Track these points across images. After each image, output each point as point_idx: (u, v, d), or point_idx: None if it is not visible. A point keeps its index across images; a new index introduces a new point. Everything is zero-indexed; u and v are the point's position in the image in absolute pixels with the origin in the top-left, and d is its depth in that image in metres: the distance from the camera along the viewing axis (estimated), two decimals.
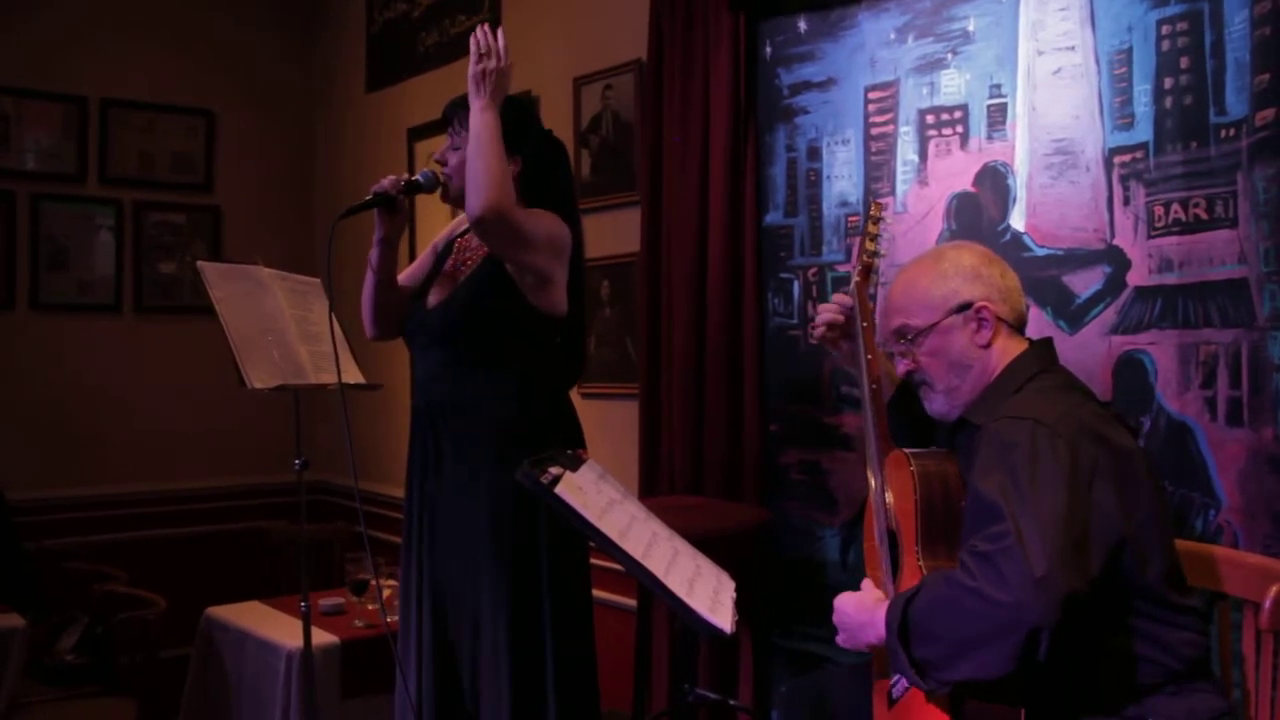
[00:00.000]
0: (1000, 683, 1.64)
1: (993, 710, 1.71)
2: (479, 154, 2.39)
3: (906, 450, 1.98)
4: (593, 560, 2.63)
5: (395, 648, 2.65)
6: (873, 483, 2.06)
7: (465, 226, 2.73)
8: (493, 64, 2.43)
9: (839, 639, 1.98)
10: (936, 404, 2.02)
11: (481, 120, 2.41)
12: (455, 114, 2.59)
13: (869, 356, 2.09)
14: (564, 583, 2.53)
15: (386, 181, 2.59)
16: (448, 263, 2.69)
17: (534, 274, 2.49)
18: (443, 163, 2.60)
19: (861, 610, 1.92)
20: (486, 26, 2.47)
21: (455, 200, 2.62)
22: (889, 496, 2.01)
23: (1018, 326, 2.02)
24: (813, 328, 2.27)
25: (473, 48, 2.45)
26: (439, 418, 2.57)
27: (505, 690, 2.46)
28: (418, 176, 2.59)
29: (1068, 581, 1.59)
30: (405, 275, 2.79)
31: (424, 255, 2.82)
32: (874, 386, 2.08)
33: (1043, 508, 1.64)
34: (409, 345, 2.74)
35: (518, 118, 2.57)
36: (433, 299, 2.63)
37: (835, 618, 1.98)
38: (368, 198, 2.57)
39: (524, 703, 2.47)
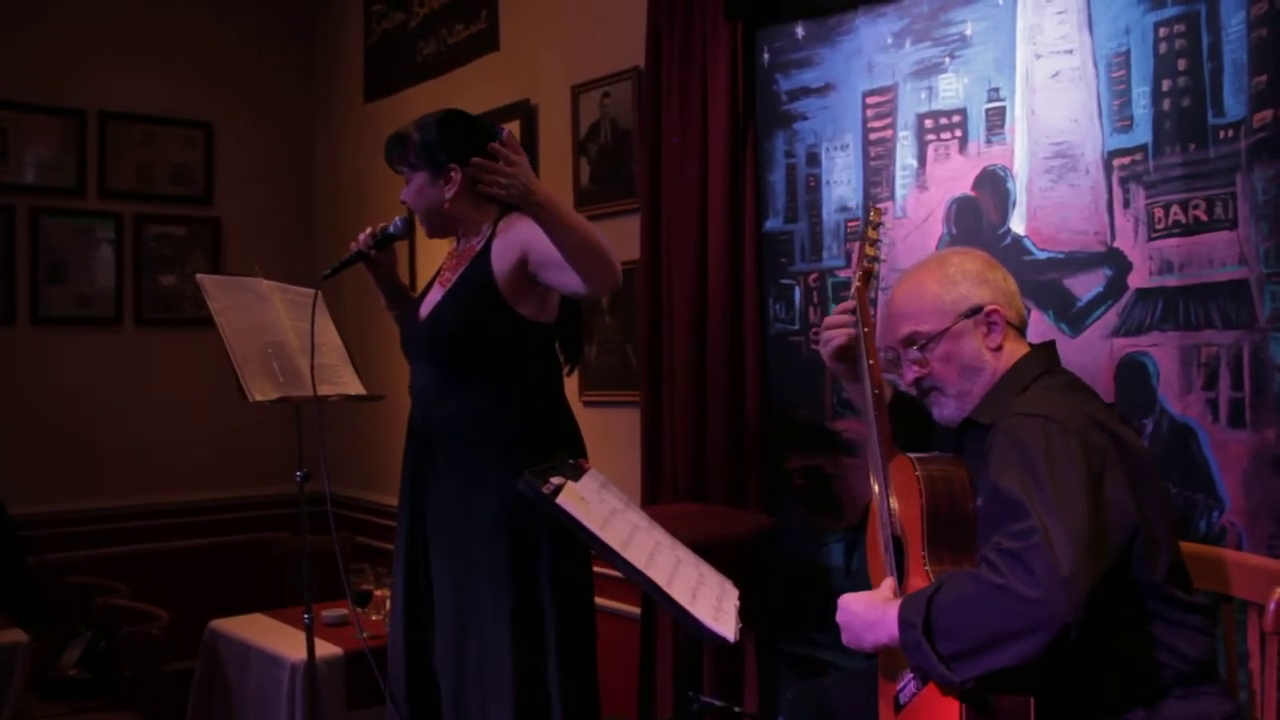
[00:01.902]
0: (1021, 673, 1.64)
1: (1001, 711, 1.70)
2: (583, 236, 2.33)
3: (911, 455, 1.98)
4: (596, 568, 2.63)
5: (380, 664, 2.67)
6: (876, 489, 2.06)
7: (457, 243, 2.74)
8: (516, 162, 2.26)
9: (844, 639, 1.96)
10: (948, 409, 2.02)
11: (550, 208, 2.30)
12: (389, 156, 2.66)
13: (870, 362, 2.09)
14: (566, 592, 2.53)
15: (362, 237, 2.70)
16: (438, 279, 2.69)
17: (546, 288, 2.50)
18: (405, 201, 2.65)
19: (871, 609, 1.89)
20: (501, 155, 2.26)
21: (434, 234, 2.69)
22: (894, 501, 2.01)
23: (1021, 330, 2.03)
24: (824, 344, 2.23)
25: (492, 174, 2.25)
26: (433, 430, 2.57)
27: (509, 700, 2.45)
28: (390, 227, 2.68)
29: (1090, 578, 1.60)
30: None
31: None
32: (876, 391, 2.08)
33: (1066, 506, 1.65)
34: (406, 357, 2.75)
35: (442, 134, 2.56)
36: (423, 311, 2.63)
37: (840, 617, 1.95)
38: (346, 256, 2.72)
39: (528, 711, 2.46)
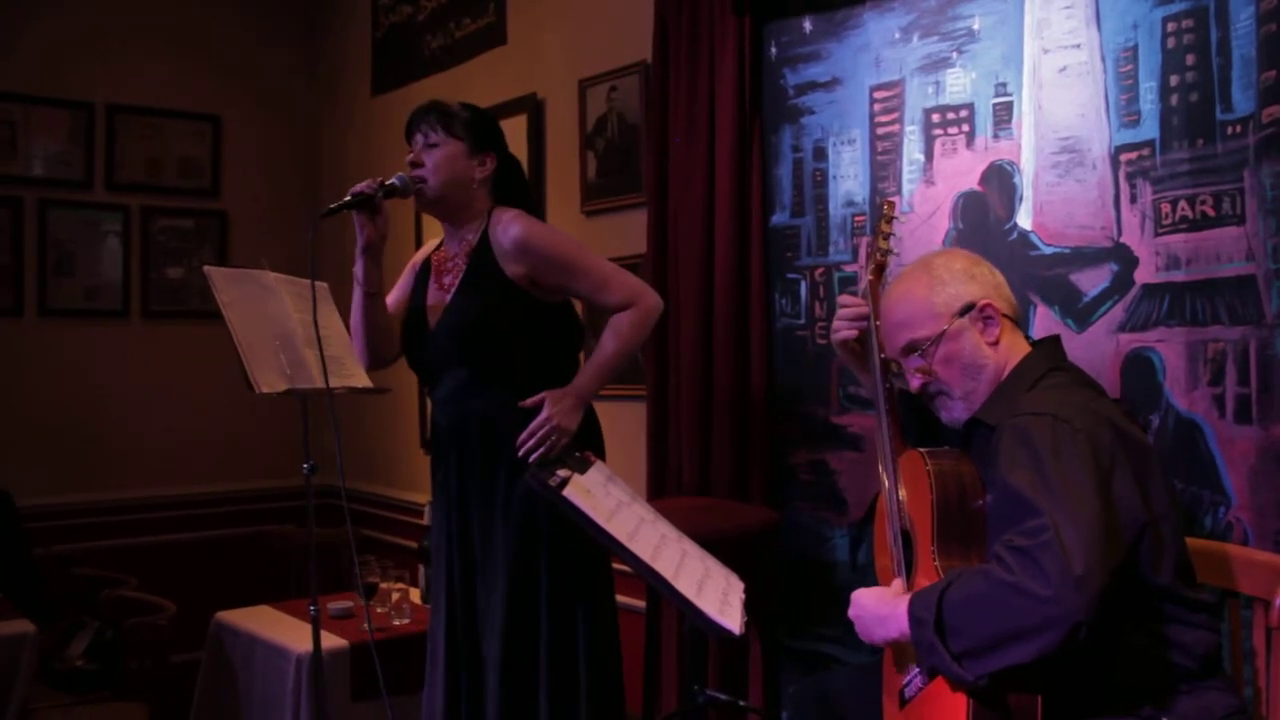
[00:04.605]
0: (1031, 670, 1.64)
1: (1009, 706, 1.70)
2: (629, 356, 2.66)
3: (921, 450, 1.98)
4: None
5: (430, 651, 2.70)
6: (886, 483, 2.06)
7: (438, 243, 2.74)
8: (544, 423, 2.52)
9: (858, 633, 1.96)
10: (956, 411, 2.02)
11: (596, 387, 2.64)
12: (424, 118, 2.63)
13: (881, 355, 2.09)
14: (597, 586, 2.56)
15: (363, 184, 2.56)
16: (433, 281, 2.68)
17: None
18: (418, 164, 2.59)
19: (882, 604, 1.89)
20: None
21: (432, 205, 2.64)
22: (903, 496, 2.00)
23: (1016, 321, 2.04)
24: (833, 334, 2.25)
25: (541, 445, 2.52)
26: (465, 434, 2.57)
27: (542, 698, 2.48)
28: (393, 180, 2.58)
29: (1102, 577, 1.60)
30: (389, 300, 2.78)
31: (404, 278, 2.81)
32: (886, 386, 2.08)
33: (1076, 504, 1.65)
34: (419, 373, 2.75)
35: (487, 121, 2.67)
36: (433, 319, 2.64)
37: (852, 612, 1.96)
38: (346, 199, 2.54)
39: (560, 704, 2.49)
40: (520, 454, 2.49)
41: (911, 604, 1.76)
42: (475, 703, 2.58)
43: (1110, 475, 1.72)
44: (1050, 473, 1.69)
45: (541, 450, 2.48)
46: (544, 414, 2.50)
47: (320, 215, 2.52)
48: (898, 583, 1.97)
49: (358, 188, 2.55)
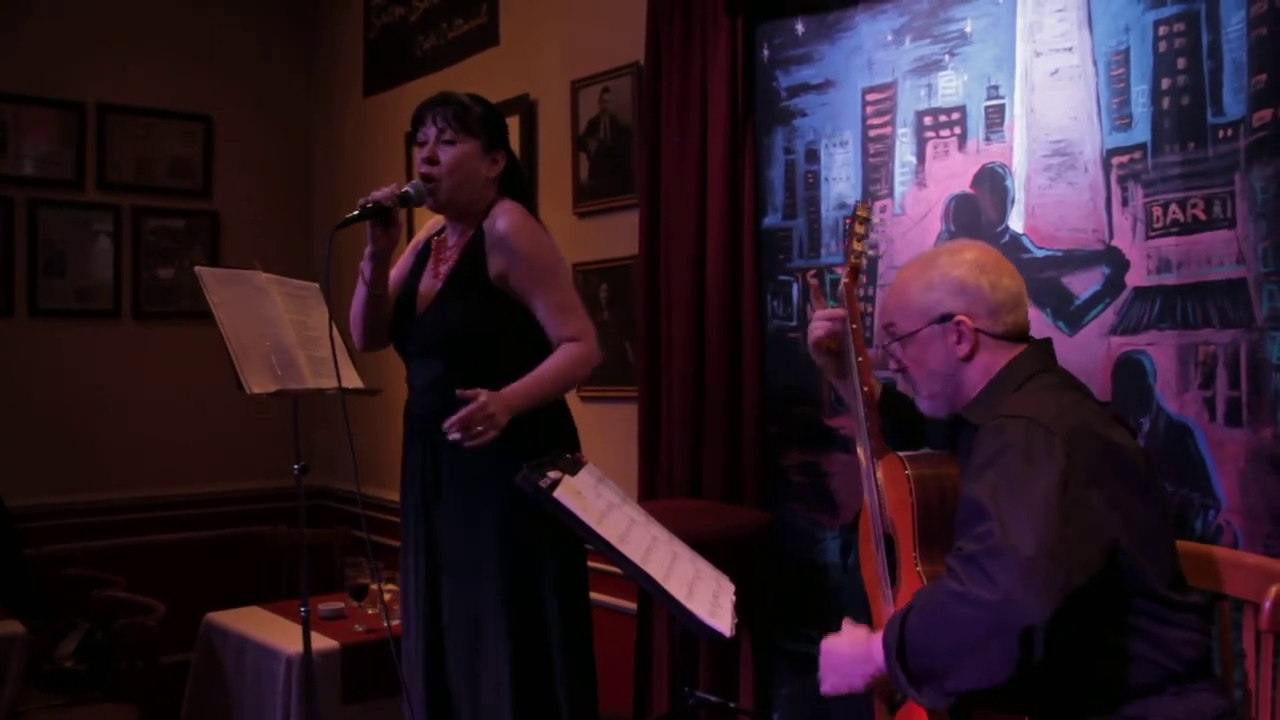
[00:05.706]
0: (1003, 690, 1.62)
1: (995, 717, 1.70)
2: (563, 386, 2.55)
3: (902, 454, 1.97)
4: (592, 564, 2.63)
5: (399, 653, 2.65)
6: (866, 487, 2.06)
7: (441, 225, 2.73)
8: (478, 408, 2.37)
9: (824, 686, 1.90)
10: (922, 405, 2.05)
11: (527, 404, 2.46)
12: (438, 111, 2.59)
13: (859, 359, 2.09)
14: (569, 586, 2.54)
15: (380, 193, 2.51)
16: (429, 267, 2.68)
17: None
18: (433, 161, 2.56)
19: (856, 645, 1.85)
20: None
21: (443, 207, 2.62)
22: (884, 501, 2.00)
23: (1008, 337, 1.96)
24: (809, 334, 2.24)
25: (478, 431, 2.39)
26: (436, 427, 2.56)
27: (507, 694, 2.46)
28: (408, 188, 2.55)
29: (1055, 581, 1.57)
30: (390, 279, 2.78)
31: (405, 257, 2.79)
32: (865, 389, 2.08)
33: (1033, 508, 1.62)
34: (400, 353, 2.74)
35: (499, 117, 2.67)
36: (421, 306, 2.62)
37: (823, 660, 1.91)
38: (364, 207, 2.50)
39: (527, 706, 2.47)
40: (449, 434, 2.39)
41: (884, 634, 1.73)
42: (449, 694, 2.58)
43: (1085, 480, 1.69)
44: (1016, 476, 1.67)
45: (466, 436, 2.37)
46: (479, 403, 2.37)
47: (335, 227, 2.48)
48: (848, 623, 1.93)
49: (375, 196, 2.50)
